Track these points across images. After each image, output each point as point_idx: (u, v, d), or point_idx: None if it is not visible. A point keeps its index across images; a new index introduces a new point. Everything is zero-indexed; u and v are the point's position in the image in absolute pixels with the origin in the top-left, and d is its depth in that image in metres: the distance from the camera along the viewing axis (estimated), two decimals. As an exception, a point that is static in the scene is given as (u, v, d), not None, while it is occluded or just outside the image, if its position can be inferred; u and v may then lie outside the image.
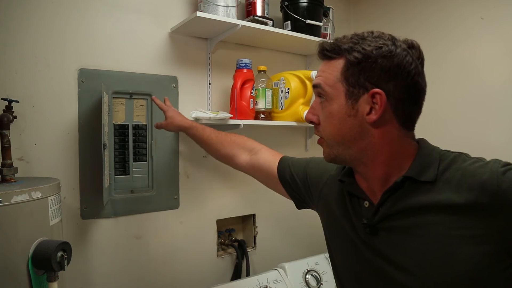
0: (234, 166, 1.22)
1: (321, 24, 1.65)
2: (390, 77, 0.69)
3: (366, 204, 0.76)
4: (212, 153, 1.29)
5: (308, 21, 1.58)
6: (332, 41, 0.75)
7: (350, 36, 0.74)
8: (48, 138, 1.22)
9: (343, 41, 0.73)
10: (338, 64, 0.72)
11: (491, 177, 0.64)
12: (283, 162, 1.06)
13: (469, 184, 0.66)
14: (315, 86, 0.76)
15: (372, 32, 0.73)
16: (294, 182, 1.01)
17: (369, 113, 0.70)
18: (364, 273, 0.76)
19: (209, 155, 1.53)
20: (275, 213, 1.76)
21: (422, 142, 0.77)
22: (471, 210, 0.64)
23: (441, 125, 1.61)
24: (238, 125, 1.37)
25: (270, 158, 1.09)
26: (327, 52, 0.74)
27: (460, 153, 0.73)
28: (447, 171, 0.70)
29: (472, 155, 0.73)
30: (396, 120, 0.72)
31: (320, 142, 0.80)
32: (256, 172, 1.14)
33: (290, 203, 1.84)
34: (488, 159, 0.71)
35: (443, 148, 0.77)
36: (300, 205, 1.06)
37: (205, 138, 1.25)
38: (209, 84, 1.55)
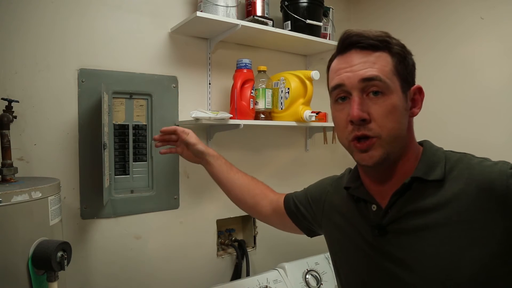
0: (257, 215, 1.15)
1: (321, 24, 1.65)
2: (414, 74, 0.74)
3: (373, 207, 0.75)
4: (236, 194, 1.14)
5: (308, 21, 1.58)
6: (362, 31, 0.71)
7: (373, 31, 0.71)
8: (48, 138, 1.22)
9: (379, 33, 0.71)
10: (386, 57, 0.69)
11: (500, 177, 0.63)
12: (287, 197, 1.05)
13: (478, 184, 0.65)
14: (370, 79, 0.67)
15: (384, 31, 0.73)
16: (298, 211, 0.99)
17: (411, 108, 0.73)
18: (372, 277, 0.75)
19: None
20: (275, 213, 1.76)
21: (426, 143, 0.77)
22: (480, 211, 0.63)
23: (441, 124, 1.61)
24: (238, 125, 1.37)
25: (277, 198, 1.07)
26: (373, 42, 0.69)
27: (466, 153, 0.73)
28: (455, 170, 0.69)
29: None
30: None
31: (369, 144, 0.69)
32: (272, 218, 1.10)
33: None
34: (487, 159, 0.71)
35: (444, 149, 0.77)
36: (310, 233, 1.03)
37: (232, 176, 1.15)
38: (209, 84, 1.55)
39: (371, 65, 0.68)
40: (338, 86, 0.71)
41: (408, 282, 0.68)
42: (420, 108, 0.74)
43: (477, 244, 0.63)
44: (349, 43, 0.71)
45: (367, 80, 0.68)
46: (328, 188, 0.94)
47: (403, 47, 0.72)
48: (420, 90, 0.74)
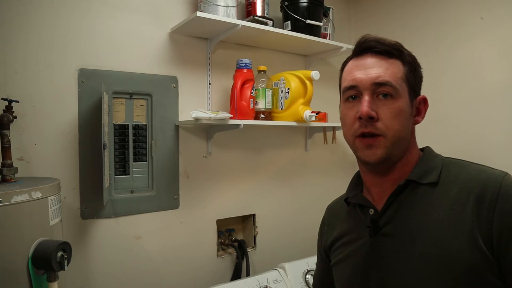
0: None
1: (321, 24, 1.65)
2: (421, 86, 0.77)
3: (371, 211, 0.77)
4: None
5: (308, 21, 1.58)
6: (377, 38, 0.74)
7: (388, 39, 0.75)
8: (48, 138, 1.22)
9: (394, 42, 0.74)
10: (398, 65, 0.74)
11: (493, 185, 0.65)
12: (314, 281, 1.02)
13: (472, 189, 0.67)
14: (382, 84, 0.71)
15: (396, 41, 0.76)
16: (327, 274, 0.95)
17: (415, 116, 0.76)
18: (367, 280, 0.76)
19: (209, 155, 1.55)
20: (275, 213, 1.76)
21: (426, 149, 0.79)
22: (471, 216, 0.65)
23: (442, 123, 1.61)
24: (238, 125, 1.37)
25: None
26: (388, 48, 0.73)
27: (464, 160, 0.75)
28: (450, 174, 0.71)
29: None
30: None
31: (373, 142, 0.72)
32: None
33: (290, 203, 1.84)
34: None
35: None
36: None
37: None
38: (209, 84, 1.56)
39: (384, 70, 0.72)
40: (352, 87, 0.75)
41: (399, 284, 0.69)
42: (423, 117, 0.78)
43: (467, 247, 0.64)
44: (366, 47, 0.75)
45: (379, 84, 0.72)
46: (324, 221, 0.96)
47: (414, 58, 0.77)
48: (425, 101, 0.78)
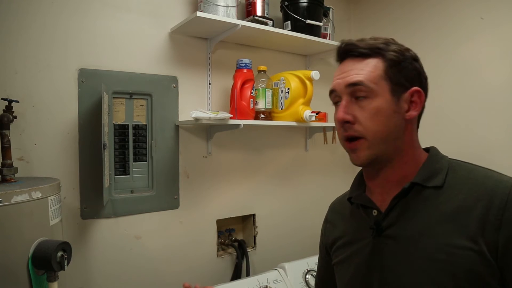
0: None
1: (321, 24, 1.65)
2: (419, 78, 0.75)
3: (374, 212, 0.77)
4: None
5: (308, 21, 1.58)
6: (355, 41, 0.75)
7: (373, 38, 0.75)
8: (48, 138, 1.22)
9: (372, 42, 0.74)
10: (377, 63, 0.73)
11: (502, 191, 0.64)
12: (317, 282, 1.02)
13: (479, 194, 0.66)
14: (354, 84, 0.72)
15: (386, 38, 0.76)
16: (327, 273, 0.95)
17: (408, 110, 0.74)
18: (369, 281, 0.75)
19: (209, 155, 1.55)
20: (275, 213, 1.76)
21: (432, 150, 0.78)
22: (477, 221, 0.64)
23: (442, 123, 1.61)
24: (238, 125, 1.37)
25: None
26: (362, 50, 0.74)
27: (472, 163, 0.74)
28: (456, 178, 0.71)
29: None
30: (417, 120, 0.77)
31: (355, 145, 0.73)
32: None
33: (290, 203, 1.84)
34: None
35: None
36: None
37: None
38: (209, 84, 1.56)
39: (358, 71, 0.73)
40: (332, 92, 0.77)
41: (402, 285, 0.69)
42: (418, 110, 0.75)
43: (470, 253, 0.63)
44: (343, 52, 0.77)
45: (352, 85, 0.73)
46: (327, 218, 0.96)
47: (401, 52, 0.74)
48: (419, 92, 0.74)
